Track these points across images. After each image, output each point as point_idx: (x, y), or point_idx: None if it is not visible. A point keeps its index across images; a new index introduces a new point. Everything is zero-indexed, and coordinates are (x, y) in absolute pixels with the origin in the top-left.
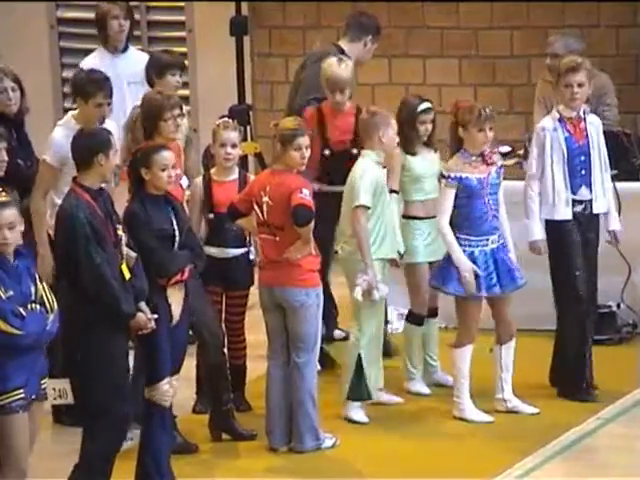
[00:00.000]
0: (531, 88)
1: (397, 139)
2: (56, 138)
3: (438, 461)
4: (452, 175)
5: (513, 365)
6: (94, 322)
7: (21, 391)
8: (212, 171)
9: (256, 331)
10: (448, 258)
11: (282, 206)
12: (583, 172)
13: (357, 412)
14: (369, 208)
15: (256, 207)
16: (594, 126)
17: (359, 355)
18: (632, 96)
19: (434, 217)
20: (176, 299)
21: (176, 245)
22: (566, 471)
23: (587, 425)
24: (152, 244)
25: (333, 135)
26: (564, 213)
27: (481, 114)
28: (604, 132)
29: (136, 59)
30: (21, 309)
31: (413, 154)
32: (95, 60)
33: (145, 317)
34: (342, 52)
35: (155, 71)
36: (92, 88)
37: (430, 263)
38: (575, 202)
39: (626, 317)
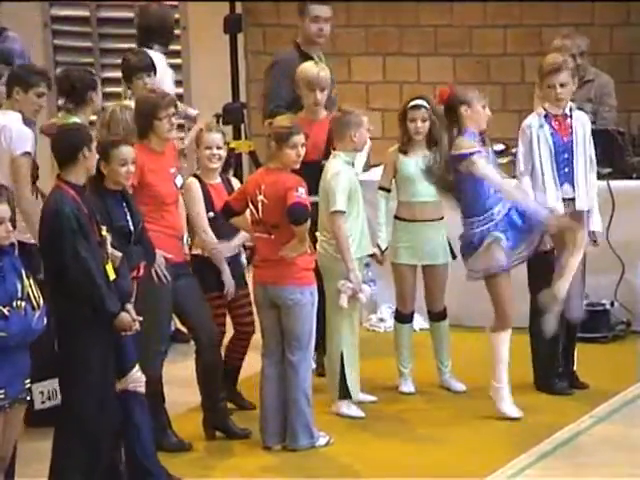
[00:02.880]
0: (525, 86)
1: (368, 136)
2: (23, 129)
3: (432, 459)
4: (475, 150)
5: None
6: (75, 321)
7: (1, 391)
8: (199, 173)
9: None
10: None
11: (277, 205)
12: (567, 169)
13: (349, 407)
14: (345, 212)
15: (251, 205)
16: (580, 122)
17: (341, 354)
18: (626, 95)
19: (418, 222)
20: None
21: (132, 241)
22: (559, 469)
23: (581, 423)
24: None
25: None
26: (556, 209)
27: (481, 90)
28: (598, 130)
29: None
30: (5, 309)
31: (405, 153)
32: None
33: (129, 318)
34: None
35: (124, 76)
36: (34, 78)
37: (424, 266)
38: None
39: (620, 315)
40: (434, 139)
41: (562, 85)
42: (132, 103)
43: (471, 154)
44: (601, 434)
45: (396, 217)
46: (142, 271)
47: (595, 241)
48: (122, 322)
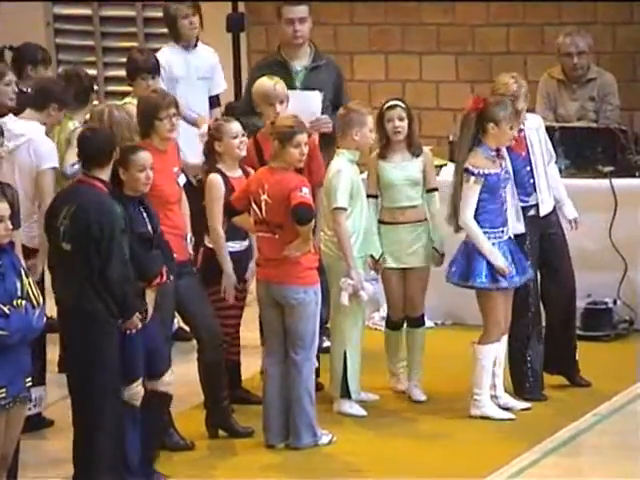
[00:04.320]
0: (527, 85)
1: (372, 136)
2: (49, 142)
3: (434, 458)
4: (480, 172)
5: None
6: (102, 320)
7: (3, 390)
8: (221, 168)
9: (252, 328)
10: (465, 254)
11: (281, 204)
12: (531, 180)
13: (351, 406)
14: (346, 209)
15: (254, 205)
16: (533, 129)
17: (344, 353)
18: (628, 93)
19: (399, 224)
20: (151, 300)
21: (152, 247)
22: (562, 468)
23: (583, 422)
24: (133, 247)
25: None
26: (516, 228)
27: (512, 111)
28: (601, 129)
29: (205, 54)
30: (6, 307)
31: (384, 158)
32: (168, 56)
33: (137, 317)
34: None
35: (128, 74)
36: (70, 99)
37: (403, 270)
38: (529, 207)
39: (622, 313)
40: (414, 141)
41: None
42: (134, 101)
43: (471, 173)
44: (603, 433)
45: (379, 222)
46: (165, 277)
47: (576, 225)
48: (133, 321)
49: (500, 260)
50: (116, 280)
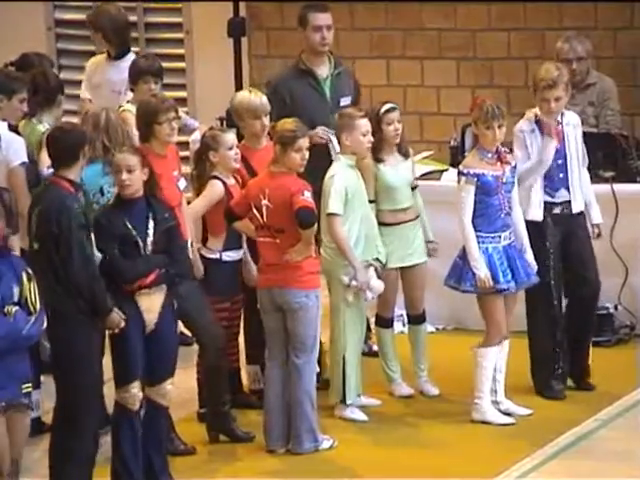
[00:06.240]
0: (528, 90)
1: (367, 140)
2: (16, 138)
3: (435, 462)
4: (471, 171)
5: (507, 366)
6: (73, 318)
7: None
8: (218, 174)
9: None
10: (463, 257)
11: (283, 209)
12: (561, 175)
13: (353, 411)
14: (339, 215)
15: (255, 210)
16: (571, 125)
17: (344, 357)
18: (629, 98)
19: (402, 223)
20: (146, 305)
21: (148, 250)
22: (564, 472)
23: (585, 426)
24: (110, 251)
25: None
26: (535, 214)
27: (487, 111)
28: (601, 134)
29: (123, 68)
30: None
31: (382, 161)
32: (93, 62)
33: (119, 316)
34: None
35: (131, 78)
36: (17, 84)
37: (401, 268)
38: (554, 204)
39: (623, 319)
40: (404, 143)
41: (556, 99)
42: (132, 108)
43: (461, 174)
44: (605, 438)
45: (380, 223)
46: (150, 279)
47: (599, 234)
48: (113, 320)
49: (482, 270)
50: (80, 276)
